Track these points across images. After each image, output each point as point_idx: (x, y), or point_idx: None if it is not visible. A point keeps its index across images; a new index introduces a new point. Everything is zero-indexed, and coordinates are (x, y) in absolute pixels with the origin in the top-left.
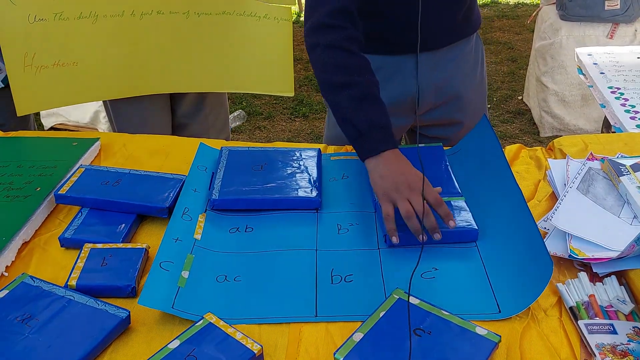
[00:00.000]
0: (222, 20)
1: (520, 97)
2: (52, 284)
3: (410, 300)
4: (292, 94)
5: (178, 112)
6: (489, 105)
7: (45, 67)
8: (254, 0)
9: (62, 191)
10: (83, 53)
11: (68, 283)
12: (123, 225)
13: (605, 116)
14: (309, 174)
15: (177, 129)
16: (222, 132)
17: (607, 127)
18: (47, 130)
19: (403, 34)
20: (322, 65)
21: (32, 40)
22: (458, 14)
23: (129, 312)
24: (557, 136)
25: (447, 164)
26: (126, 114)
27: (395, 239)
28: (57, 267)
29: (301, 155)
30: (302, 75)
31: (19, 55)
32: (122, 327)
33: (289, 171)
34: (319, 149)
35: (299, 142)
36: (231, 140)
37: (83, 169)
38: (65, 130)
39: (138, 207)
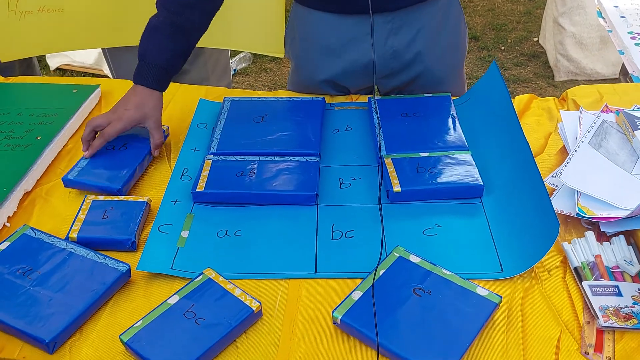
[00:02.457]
0: None
1: (535, 39)
2: (53, 236)
3: (410, 259)
4: (282, 55)
5: None
6: (502, 47)
7: (29, 12)
8: None
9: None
10: None
11: (69, 235)
12: (125, 170)
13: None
14: (310, 126)
15: (176, 76)
16: (222, 78)
17: (625, 74)
18: (53, 70)
19: None
20: None
21: None
22: None
23: (129, 266)
24: (572, 80)
25: (455, 115)
26: (124, 60)
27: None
28: (58, 218)
29: (303, 106)
30: None
31: (2, 0)
32: (123, 280)
33: (290, 123)
34: (324, 98)
35: None
36: (235, 84)
37: None
38: (71, 70)
39: None
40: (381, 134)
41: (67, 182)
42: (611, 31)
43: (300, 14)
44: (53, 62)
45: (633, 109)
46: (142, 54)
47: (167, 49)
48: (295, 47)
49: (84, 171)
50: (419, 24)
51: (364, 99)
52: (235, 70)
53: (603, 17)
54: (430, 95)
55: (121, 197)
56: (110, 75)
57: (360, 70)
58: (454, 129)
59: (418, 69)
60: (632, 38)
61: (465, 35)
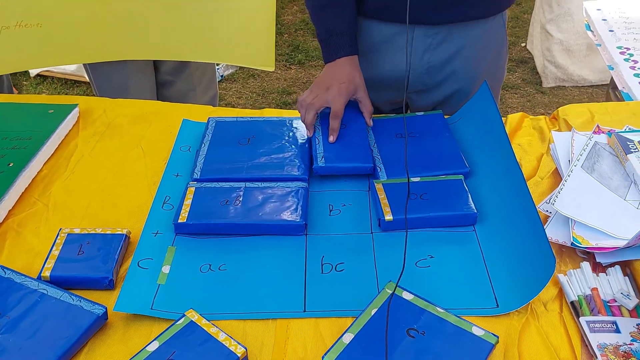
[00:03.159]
0: None
1: (523, 44)
2: (24, 275)
3: (403, 296)
4: (272, 69)
5: (162, 69)
6: None
7: (6, 27)
8: None
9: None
10: (48, 14)
11: (42, 274)
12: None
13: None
14: (298, 149)
15: (161, 87)
16: (209, 89)
17: (613, 87)
18: (33, 77)
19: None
20: None
21: None
22: None
23: (106, 308)
24: (560, 87)
25: (451, 134)
26: (106, 72)
27: (309, 133)
28: (31, 253)
29: (291, 126)
30: (298, 19)
31: None
32: (99, 324)
33: (278, 145)
34: None
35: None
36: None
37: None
38: (52, 77)
39: None
40: (379, 157)
41: (319, 170)
42: (600, 45)
43: None
44: (34, 69)
45: (625, 130)
46: (327, 30)
47: (346, 15)
48: None
49: (331, 155)
50: (461, 43)
51: None
52: (222, 76)
53: (591, 30)
54: (422, 114)
55: (98, 230)
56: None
57: (391, 82)
58: (452, 149)
59: (452, 89)
60: (621, 53)
61: (505, 63)
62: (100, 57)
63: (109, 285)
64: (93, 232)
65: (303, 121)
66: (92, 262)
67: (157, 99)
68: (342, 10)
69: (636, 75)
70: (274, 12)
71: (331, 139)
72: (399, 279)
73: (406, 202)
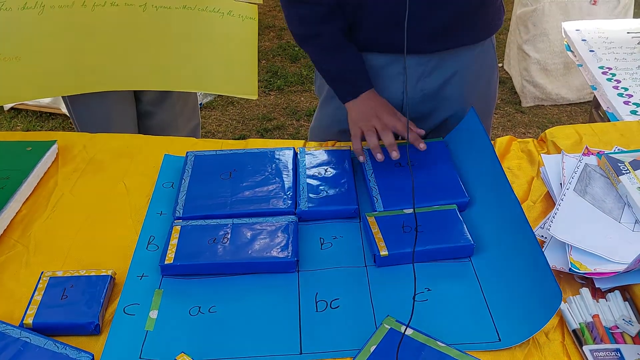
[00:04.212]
0: (183, 16)
1: (500, 65)
2: (5, 323)
3: (402, 331)
4: (255, 97)
5: (143, 100)
6: None
7: None
8: None
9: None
10: (27, 46)
11: (24, 321)
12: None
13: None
14: (282, 181)
15: (143, 117)
16: (191, 119)
17: (596, 107)
18: (7, 111)
19: (389, 32)
20: (289, 19)
21: None
22: (460, 17)
23: (93, 355)
24: (539, 106)
25: (452, 162)
26: (87, 105)
27: (362, 158)
28: (12, 299)
29: (273, 157)
30: (276, 44)
31: None
32: None
33: (261, 178)
34: (293, 148)
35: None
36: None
37: None
38: (26, 110)
39: None
40: (376, 187)
41: (302, 214)
42: (581, 65)
43: None
44: None
45: (614, 151)
46: (340, 71)
47: (355, 53)
48: (324, 82)
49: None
50: (453, 69)
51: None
52: (201, 104)
53: (572, 51)
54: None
55: (82, 272)
56: (67, 113)
57: None
58: (452, 179)
59: (446, 114)
60: (603, 73)
61: (497, 86)
62: (82, 88)
63: (95, 331)
64: (77, 274)
65: (374, 148)
66: (76, 307)
67: (139, 130)
68: (350, 48)
69: (619, 95)
70: (255, 42)
71: (395, 154)
72: (410, 320)
73: (415, 234)
